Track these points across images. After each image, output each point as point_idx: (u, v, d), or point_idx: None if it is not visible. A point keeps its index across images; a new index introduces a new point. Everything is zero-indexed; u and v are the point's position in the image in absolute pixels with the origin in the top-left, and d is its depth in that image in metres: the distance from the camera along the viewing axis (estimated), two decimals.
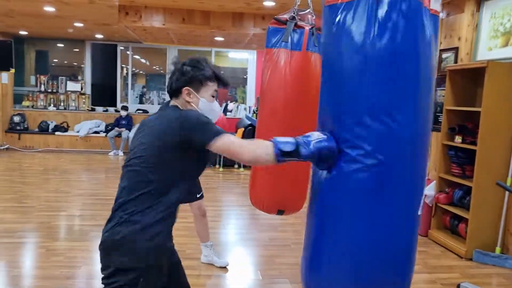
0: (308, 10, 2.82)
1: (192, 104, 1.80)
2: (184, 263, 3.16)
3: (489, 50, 4.26)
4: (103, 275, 1.67)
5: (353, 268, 1.63)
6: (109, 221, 1.73)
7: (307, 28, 2.72)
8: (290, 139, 1.60)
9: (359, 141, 1.57)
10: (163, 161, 1.67)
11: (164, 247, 1.73)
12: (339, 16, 1.62)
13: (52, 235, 4.19)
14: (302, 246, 1.90)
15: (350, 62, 1.59)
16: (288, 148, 1.57)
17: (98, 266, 3.53)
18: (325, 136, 1.62)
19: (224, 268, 3.56)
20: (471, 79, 4.34)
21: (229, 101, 10.20)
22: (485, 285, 3.44)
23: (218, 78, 1.86)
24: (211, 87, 1.84)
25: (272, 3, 5.52)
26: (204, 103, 1.82)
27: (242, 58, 10.57)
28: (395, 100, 1.57)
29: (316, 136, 1.61)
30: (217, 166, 8.38)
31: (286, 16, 2.79)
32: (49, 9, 6.37)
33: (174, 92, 1.82)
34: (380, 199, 1.59)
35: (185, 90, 1.79)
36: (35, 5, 6.16)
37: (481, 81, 4.07)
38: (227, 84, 1.91)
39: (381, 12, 1.55)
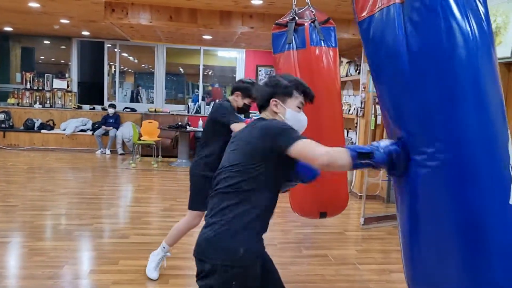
0: (306, 7, 2.81)
1: (279, 114, 1.88)
2: (172, 263, 3.13)
3: None
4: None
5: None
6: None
7: (307, 24, 2.70)
8: (363, 146, 1.67)
9: (425, 145, 1.61)
10: (251, 169, 1.75)
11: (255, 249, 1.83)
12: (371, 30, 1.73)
13: (35, 235, 4.13)
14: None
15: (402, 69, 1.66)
16: (364, 150, 1.63)
17: (82, 265, 3.48)
18: (394, 142, 1.69)
19: None
20: None
21: (217, 100, 10.18)
22: None
23: (303, 90, 1.92)
24: (297, 98, 1.90)
25: (260, 2, 5.50)
26: (291, 113, 1.88)
27: (231, 57, 10.54)
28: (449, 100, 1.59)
29: (386, 142, 1.68)
30: None
31: (285, 19, 2.78)
32: (34, 5, 6.28)
33: (262, 105, 1.92)
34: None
35: (272, 101, 1.88)
36: (20, 0, 6.07)
37: None
38: (312, 96, 1.94)
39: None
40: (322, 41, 2.68)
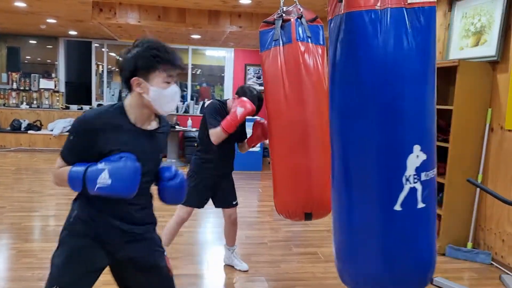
0: (294, 5, 2.82)
1: (144, 95, 1.66)
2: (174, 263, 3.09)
3: (460, 49, 4.34)
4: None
5: None
6: None
7: (293, 19, 2.71)
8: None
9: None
10: None
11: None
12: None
13: (23, 236, 4.10)
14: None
15: None
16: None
17: None
18: None
19: (244, 271, 3.51)
20: (443, 78, 4.41)
21: (206, 99, 10.16)
22: (457, 279, 3.51)
23: (165, 59, 1.64)
24: (162, 72, 1.64)
25: (248, 1, 5.51)
26: (156, 91, 1.64)
27: (219, 56, 10.53)
28: None
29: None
30: None
31: (273, 17, 2.79)
32: (20, 4, 6.22)
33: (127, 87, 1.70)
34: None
35: (134, 80, 1.65)
36: (5, 0, 6.00)
37: (454, 80, 4.14)
38: (170, 60, 1.66)
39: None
40: (309, 38, 2.69)
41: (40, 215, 4.83)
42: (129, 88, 1.67)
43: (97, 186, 1.57)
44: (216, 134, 3.09)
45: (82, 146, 1.68)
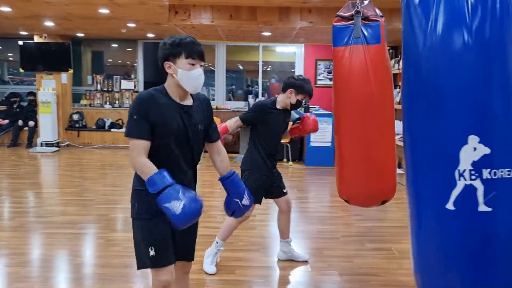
0: (368, 1, 2.78)
1: (173, 75, 2.01)
2: (237, 254, 3.24)
3: None
4: None
5: None
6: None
7: (382, 20, 2.69)
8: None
9: None
10: None
11: None
12: None
13: (110, 227, 4.42)
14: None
15: None
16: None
17: None
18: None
19: (305, 261, 3.60)
20: None
21: (276, 95, 10.24)
22: None
23: (185, 47, 1.99)
24: (184, 57, 1.98)
25: None
26: (182, 72, 1.98)
27: (289, 52, 10.56)
28: None
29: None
30: None
31: (349, 12, 2.75)
32: (104, 11, 6.65)
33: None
34: None
35: (166, 64, 2.02)
36: (91, 8, 6.45)
37: None
38: (191, 50, 1.98)
39: None
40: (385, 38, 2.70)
41: (124, 207, 5.16)
42: (165, 72, 2.03)
43: (165, 206, 1.83)
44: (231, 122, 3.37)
45: (143, 122, 1.95)
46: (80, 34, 9.74)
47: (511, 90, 1.64)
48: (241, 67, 11.92)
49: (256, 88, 10.74)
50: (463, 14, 1.62)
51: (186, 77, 1.98)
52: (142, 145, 1.94)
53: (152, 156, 1.97)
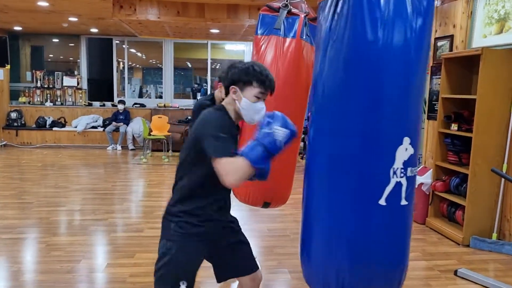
0: None
1: (236, 102, 1.89)
2: None
3: (483, 37, 4.26)
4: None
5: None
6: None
7: (302, 15, 2.70)
8: (250, 145, 1.70)
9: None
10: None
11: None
12: None
13: (51, 230, 4.21)
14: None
15: None
16: (255, 151, 1.68)
17: (98, 259, 3.55)
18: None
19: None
20: (466, 67, 4.35)
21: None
22: (482, 271, 3.47)
23: (262, 80, 1.88)
24: (256, 88, 1.87)
25: None
26: (246, 102, 1.87)
27: (238, 50, 10.55)
28: None
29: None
30: None
31: (278, 4, 2.77)
32: (43, 4, 6.34)
33: (226, 91, 1.94)
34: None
35: (232, 88, 1.90)
36: (28, 0, 6.13)
37: (477, 69, 4.08)
38: (271, 87, 1.91)
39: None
40: (308, 38, 2.70)
41: (67, 209, 4.95)
42: (227, 93, 1.93)
43: (280, 140, 1.69)
44: None
45: (231, 140, 1.83)
46: (17, 28, 9.25)
47: (422, 94, 1.86)
48: (189, 65, 11.78)
49: (205, 86, 10.65)
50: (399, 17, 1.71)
51: (248, 108, 1.87)
52: None
53: (205, 181, 1.84)
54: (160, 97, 10.55)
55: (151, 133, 8.64)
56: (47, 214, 4.69)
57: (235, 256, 2.10)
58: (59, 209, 4.94)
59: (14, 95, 9.89)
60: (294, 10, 2.73)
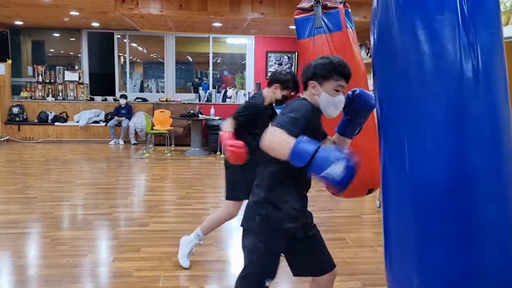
0: None
1: (315, 97, 1.91)
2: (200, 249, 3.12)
3: None
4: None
5: None
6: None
7: (341, 6, 2.69)
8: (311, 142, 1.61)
9: None
10: None
11: None
12: None
13: (56, 225, 4.20)
14: None
15: None
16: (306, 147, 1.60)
17: (104, 254, 3.54)
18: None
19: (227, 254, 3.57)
20: None
21: (228, 87, 10.17)
22: None
23: (342, 72, 1.88)
24: (336, 81, 1.88)
25: None
26: (325, 96, 1.89)
27: (240, 44, 10.50)
28: None
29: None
30: (218, 153, 8.39)
31: (309, 3, 2.74)
32: None
33: (304, 86, 1.96)
34: None
35: (310, 83, 1.92)
36: None
37: None
38: (348, 75, 1.91)
39: None
40: (350, 24, 2.70)
41: (71, 204, 4.94)
42: (306, 88, 1.96)
43: (324, 174, 1.54)
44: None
45: (300, 125, 1.76)
46: (18, 22, 9.21)
47: None
48: (190, 59, 11.74)
49: (205, 80, 10.62)
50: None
51: (328, 102, 1.89)
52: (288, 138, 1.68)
53: (290, 172, 1.79)
54: (161, 91, 10.52)
55: (153, 127, 8.62)
56: (51, 208, 4.68)
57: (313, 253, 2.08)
58: (63, 203, 4.93)
59: (15, 90, 9.86)
60: (330, 4, 2.70)
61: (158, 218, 4.44)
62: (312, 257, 2.06)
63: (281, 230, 1.92)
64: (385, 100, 1.67)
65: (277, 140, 1.66)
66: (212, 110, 8.68)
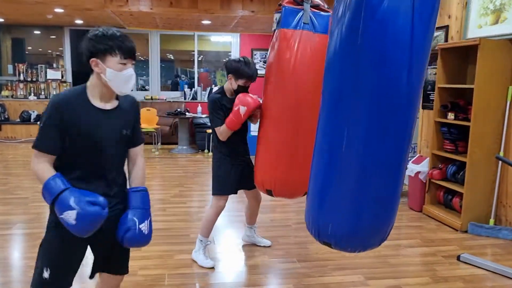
0: None
1: (101, 75, 1.77)
2: (192, 247, 3.13)
3: (479, 27, 4.35)
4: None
5: None
6: None
7: (331, 11, 2.72)
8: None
9: None
10: None
11: None
12: None
13: None
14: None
15: None
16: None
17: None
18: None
19: (236, 248, 3.60)
20: (462, 57, 4.44)
21: (212, 86, 10.15)
22: (482, 255, 3.58)
23: (118, 45, 1.76)
24: (117, 55, 1.75)
25: None
26: (112, 73, 1.75)
27: (225, 42, 10.49)
28: None
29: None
30: (205, 150, 8.38)
31: None
32: None
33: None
34: None
35: (92, 61, 1.76)
36: None
37: (472, 59, 4.17)
38: (126, 48, 1.77)
39: None
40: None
41: None
42: (91, 69, 1.78)
43: (61, 217, 1.67)
44: (222, 133, 3.11)
45: (53, 131, 1.74)
46: None
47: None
48: (172, 57, 11.65)
49: (183, 77, 10.56)
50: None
51: (116, 78, 1.75)
52: (45, 158, 1.76)
53: (68, 167, 1.79)
54: (144, 89, 10.43)
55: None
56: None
57: None
58: None
59: None
60: (321, 5, 2.72)
61: (155, 217, 4.38)
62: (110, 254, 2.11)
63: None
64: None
65: (36, 170, 1.74)
66: (200, 108, 8.66)
